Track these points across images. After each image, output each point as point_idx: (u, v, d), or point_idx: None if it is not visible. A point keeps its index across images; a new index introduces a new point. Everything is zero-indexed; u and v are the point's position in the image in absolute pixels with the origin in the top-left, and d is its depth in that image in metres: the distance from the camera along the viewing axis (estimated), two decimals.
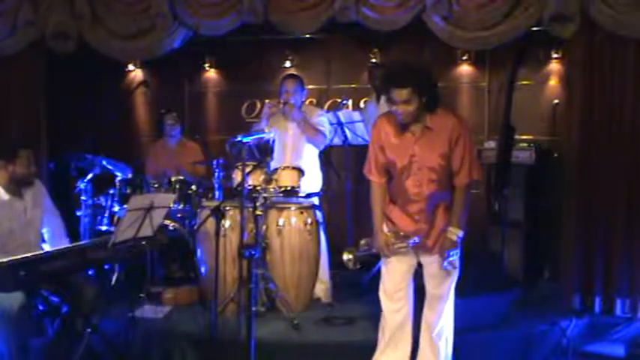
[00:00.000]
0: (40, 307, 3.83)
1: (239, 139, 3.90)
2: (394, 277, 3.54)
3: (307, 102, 6.15)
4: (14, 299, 3.39)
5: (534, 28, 4.70)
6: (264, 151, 4.38)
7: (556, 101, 5.63)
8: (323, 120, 4.98)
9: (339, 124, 5.41)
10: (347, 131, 5.44)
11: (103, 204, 5.19)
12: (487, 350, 4.07)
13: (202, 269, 4.62)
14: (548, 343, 4.26)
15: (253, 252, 3.53)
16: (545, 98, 5.89)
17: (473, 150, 3.42)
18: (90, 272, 4.41)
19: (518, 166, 5.22)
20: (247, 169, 4.11)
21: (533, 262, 5.35)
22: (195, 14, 5.06)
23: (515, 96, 5.01)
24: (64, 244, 4.10)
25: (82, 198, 5.23)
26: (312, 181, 4.90)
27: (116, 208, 5.10)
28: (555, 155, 5.52)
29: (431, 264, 3.50)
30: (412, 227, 3.43)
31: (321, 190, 5.01)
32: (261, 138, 4.60)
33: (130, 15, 5.18)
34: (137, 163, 5.80)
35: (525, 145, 5.38)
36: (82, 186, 5.20)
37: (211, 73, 6.75)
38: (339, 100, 6.07)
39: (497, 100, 6.01)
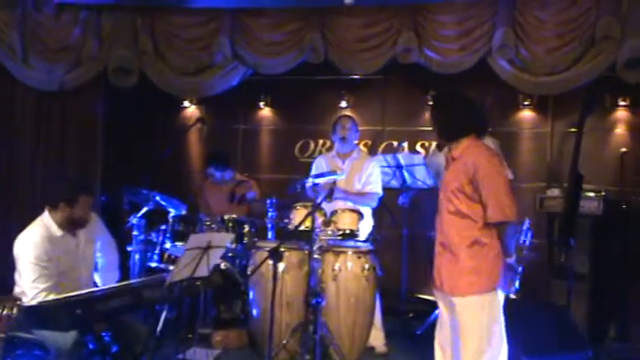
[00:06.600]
0: (91, 346, 3.74)
1: (312, 179, 3.79)
2: (443, 328, 3.36)
3: (361, 144, 6.06)
4: (68, 337, 3.33)
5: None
6: (330, 193, 4.25)
7: (623, 150, 5.41)
8: (374, 173, 4.79)
9: (398, 166, 5.28)
10: (406, 174, 5.30)
11: (154, 240, 5.12)
12: None
13: (254, 312, 4.48)
14: None
15: (320, 300, 3.35)
16: (611, 146, 5.68)
17: (501, 187, 3.15)
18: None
19: (583, 216, 4.98)
20: (307, 210, 4.00)
21: (599, 319, 5.06)
22: (256, 53, 5.07)
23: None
24: (114, 276, 4.04)
25: (134, 233, 5.17)
26: (365, 225, 4.75)
27: (167, 245, 5.02)
28: (624, 206, 5.27)
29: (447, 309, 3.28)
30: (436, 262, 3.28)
31: (370, 234, 4.83)
32: (334, 180, 4.46)
33: (191, 52, 5.21)
34: (191, 199, 5.74)
35: (592, 194, 5.14)
36: (134, 221, 5.14)
37: (266, 112, 6.73)
38: (395, 143, 5.95)
39: (559, 146, 5.82)
